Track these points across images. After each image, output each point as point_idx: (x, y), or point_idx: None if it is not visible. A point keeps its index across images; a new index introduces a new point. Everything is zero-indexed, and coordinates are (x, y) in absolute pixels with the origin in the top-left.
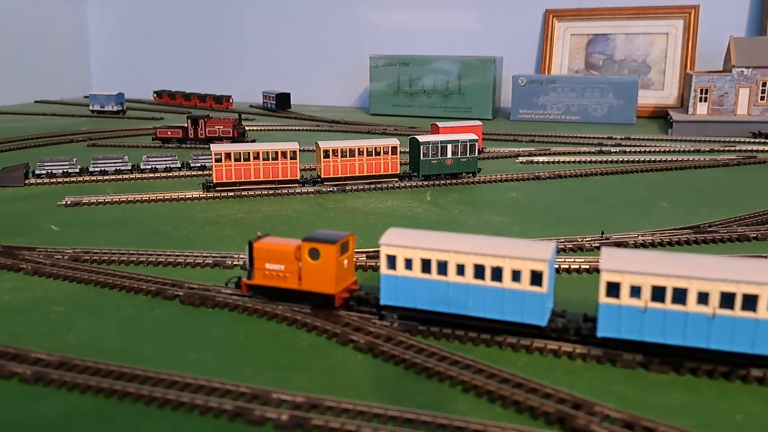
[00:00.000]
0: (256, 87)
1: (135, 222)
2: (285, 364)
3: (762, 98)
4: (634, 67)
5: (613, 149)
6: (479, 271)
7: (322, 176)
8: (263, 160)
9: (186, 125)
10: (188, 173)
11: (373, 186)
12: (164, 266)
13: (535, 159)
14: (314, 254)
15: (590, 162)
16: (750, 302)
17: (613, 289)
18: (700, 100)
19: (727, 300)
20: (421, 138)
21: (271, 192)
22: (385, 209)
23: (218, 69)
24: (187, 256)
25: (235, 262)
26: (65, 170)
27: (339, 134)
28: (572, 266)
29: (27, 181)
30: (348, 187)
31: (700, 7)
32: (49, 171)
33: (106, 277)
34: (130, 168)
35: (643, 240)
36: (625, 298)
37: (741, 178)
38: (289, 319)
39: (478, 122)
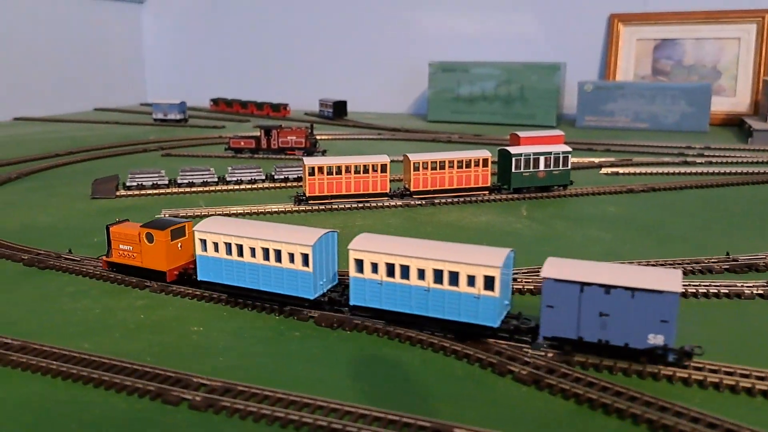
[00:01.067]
0: (311, 94)
1: None
2: (447, 394)
3: None
4: (704, 73)
5: (697, 160)
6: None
7: (411, 189)
8: (354, 173)
9: (258, 135)
10: (272, 185)
11: (462, 199)
12: None
13: (620, 170)
14: (149, 238)
15: (676, 174)
16: (454, 278)
17: (359, 265)
18: None
19: (437, 276)
20: (513, 150)
21: (360, 205)
22: (482, 224)
23: (273, 77)
24: None
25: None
26: (155, 182)
27: (402, 143)
28: (699, 290)
29: (117, 193)
30: (437, 201)
31: None
32: (140, 183)
33: (233, 296)
34: (216, 180)
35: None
36: (367, 273)
37: None
38: (435, 346)
39: (559, 132)
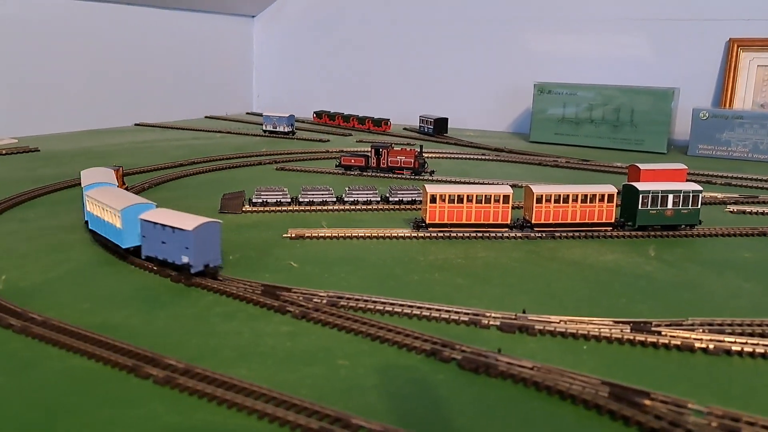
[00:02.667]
0: (411, 109)
1: (363, 261)
2: None
3: None
4: None
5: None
6: None
7: (533, 221)
8: (476, 202)
9: (369, 153)
10: (387, 207)
11: (584, 234)
12: (418, 319)
13: (747, 209)
14: None
15: None
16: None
17: None
18: None
19: None
20: (640, 186)
21: (479, 235)
22: (610, 264)
23: (376, 91)
24: (439, 309)
25: (491, 322)
26: (278, 200)
27: (507, 164)
28: None
29: (243, 209)
30: (558, 234)
31: None
32: (265, 200)
33: (372, 328)
34: (335, 200)
35: None
36: None
37: None
38: (589, 403)
39: (682, 165)
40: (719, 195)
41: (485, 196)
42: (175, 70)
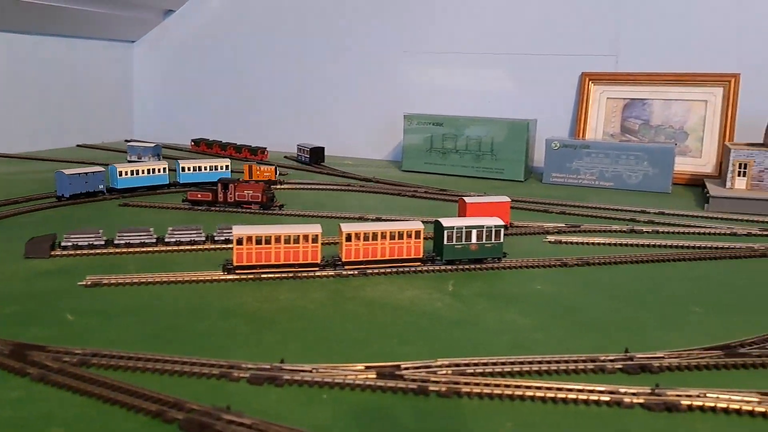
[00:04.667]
0: (291, 137)
1: (151, 310)
2: None
3: None
4: (671, 134)
5: (645, 229)
6: None
7: (343, 259)
8: (284, 243)
9: (216, 189)
10: (212, 246)
11: (394, 270)
12: (170, 375)
13: (564, 239)
14: None
15: (619, 245)
16: None
17: None
18: (739, 175)
19: None
20: (445, 222)
21: (290, 275)
22: (404, 301)
23: (256, 119)
24: (193, 363)
25: (242, 374)
26: (91, 242)
27: (368, 195)
28: (590, 397)
29: (53, 253)
30: (369, 271)
31: (740, 75)
32: (75, 243)
33: (110, 390)
34: (155, 241)
35: (669, 363)
36: None
37: None
38: None
39: (506, 198)
40: (547, 224)
41: (294, 236)
42: (45, 98)
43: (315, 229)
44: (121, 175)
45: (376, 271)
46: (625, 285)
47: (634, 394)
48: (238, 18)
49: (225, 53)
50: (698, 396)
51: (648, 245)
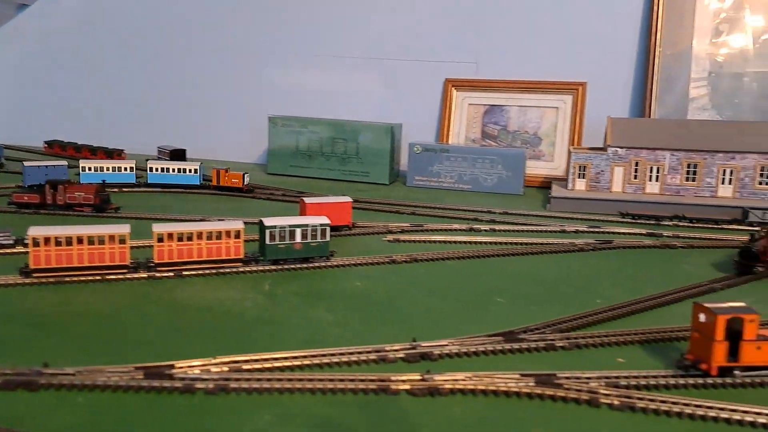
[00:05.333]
0: (153, 139)
1: None
2: None
3: (635, 177)
4: (526, 139)
5: (483, 228)
6: None
7: (156, 260)
8: (88, 244)
9: (45, 190)
10: (23, 250)
11: (214, 271)
12: None
13: (404, 238)
14: None
15: (459, 242)
16: None
17: None
18: (579, 177)
19: None
20: (267, 221)
21: (97, 278)
22: (212, 302)
23: (114, 120)
24: None
25: None
26: None
27: (220, 198)
28: (358, 386)
29: None
30: (185, 272)
31: (587, 84)
32: None
33: None
34: None
35: (449, 350)
36: None
37: (588, 266)
38: None
39: (348, 198)
40: (394, 224)
41: (98, 237)
42: None
43: (122, 229)
44: None
45: (193, 272)
46: (443, 279)
47: (402, 381)
48: (96, 15)
49: (83, 51)
50: (463, 380)
51: (480, 242)
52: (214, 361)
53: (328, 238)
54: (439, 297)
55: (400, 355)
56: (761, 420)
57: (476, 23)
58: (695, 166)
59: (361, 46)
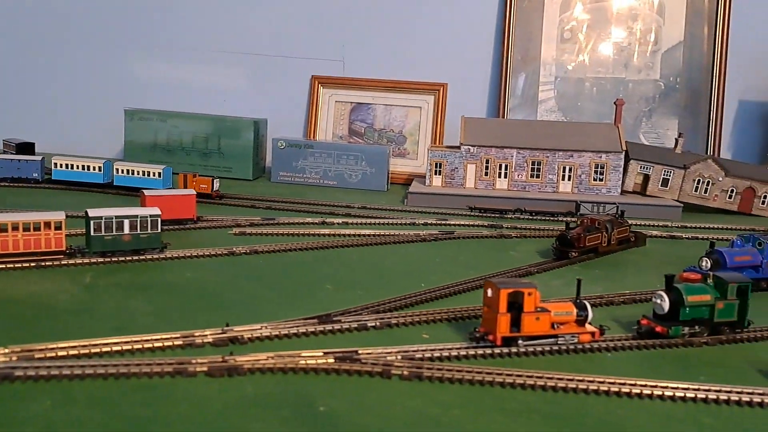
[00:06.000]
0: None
1: None
2: None
3: (486, 174)
4: (392, 137)
5: (336, 221)
6: None
7: None
8: None
9: None
10: None
11: (34, 264)
12: None
13: (252, 231)
14: None
15: (308, 235)
16: None
17: None
18: (436, 173)
19: None
20: (92, 212)
21: None
22: (22, 296)
23: None
24: None
25: None
26: None
27: (67, 192)
28: (153, 369)
29: None
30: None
31: (447, 85)
32: None
33: None
34: None
35: (260, 334)
36: None
37: (425, 254)
38: None
39: (191, 191)
40: (242, 218)
41: None
42: None
43: None
44: None
45: (10, 266)
46: (279, 270)
47: (201, 363)
48: None
49: None
50: (264, 359)
51: (330, 235)
52: (4, 350)
53: (159, 230)
54: (269, 286)
55: (209, 339)
56: (537, 382)
57: (343, 22)
58: (539, 163)
59: (226, 40)
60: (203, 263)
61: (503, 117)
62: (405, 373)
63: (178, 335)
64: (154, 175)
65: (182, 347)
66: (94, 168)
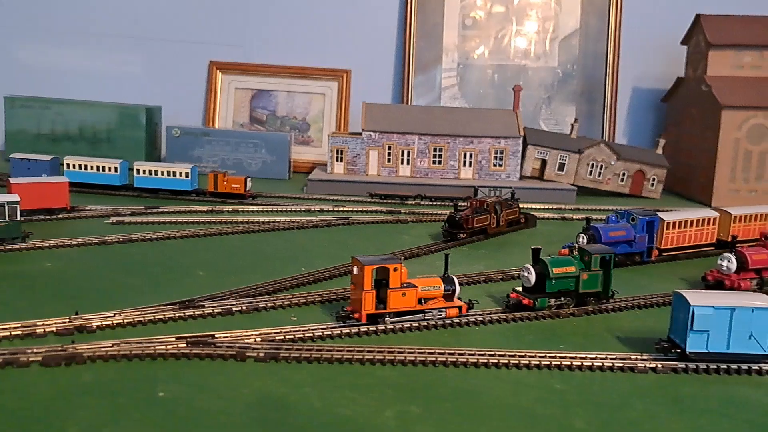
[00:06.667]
0: None
1: None
2: None
3: (388, 161)
4: (295, 124)
5: (226, 209)
6: None
7: None
8: None
9: None
10: None
11: None
12: None
13: (133, 220)
14: None
15: (193, 223)
16: None
17: None
18: (337, 160)
19: None
20: None
21: None
22: None
23: None
24: None
25: None
26: None
27: None
28: None
29: None
30: None
31: (351, 72)
32: None
33: None
34: None
35: (111, 322)
36: None
37: (314, 240)
38: None
39: (64, 179)
40: (124, 207)
41: None
42: None
43: None
44: None
45: None
46: (152, 258)
47: (36, 353)
48: None
49: None
50: (109, 347)
51: (216, 222)
52: None
53: (18, 218)
54: (136, 274)
55: (52, 329)
56: (396, 357)
57: (243, 6)
58: (440, 150)
59: (119, 23)
60: (67, 253)
61: (407, 104)
62: (260, 355)
63: (18, 325)
64: (180, 176)
65: (21, 337)
66: (109, 169)
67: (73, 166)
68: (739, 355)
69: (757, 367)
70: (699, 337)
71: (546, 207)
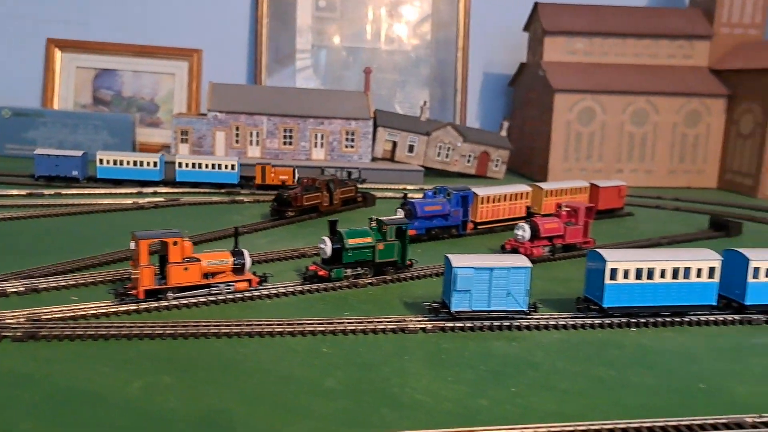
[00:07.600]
0: None
1: None
2: None
3: (237, 142)
4: (142, 105)
5: (47, 192)
6: None
7: None
8: None
9: None
10: None
11: None
12: None
13: None
14: None
15: (7, 206)
16: None
17: None
18: (182, 141)
19: None
20: None
21: None
22: None
23: None
24: None
25: None
26: None
27: None
28: None
29: None
30: None
31: (203, 51)
32: None
33: None
34: None
35: None
36: None
37: (133, 222)
38: None
39: None
40: None
41: None
42: None
43: None
44: None
45: None
46: None
47: None
48: None
49: None
50: None
51: (30, 206)
52: None
53: None
54: None
55: None
56: (164, 331)
57: None
58: (291, 131)
59: None
60: None
61: (261, 84)
62: (18, 334)
63: None
64: (227, 168)
65: None
66: (148, 164)
67: (108, 162)
68: (500, 311)
69: (511, 323)
70: (462, 296)
71: (397, 188)
